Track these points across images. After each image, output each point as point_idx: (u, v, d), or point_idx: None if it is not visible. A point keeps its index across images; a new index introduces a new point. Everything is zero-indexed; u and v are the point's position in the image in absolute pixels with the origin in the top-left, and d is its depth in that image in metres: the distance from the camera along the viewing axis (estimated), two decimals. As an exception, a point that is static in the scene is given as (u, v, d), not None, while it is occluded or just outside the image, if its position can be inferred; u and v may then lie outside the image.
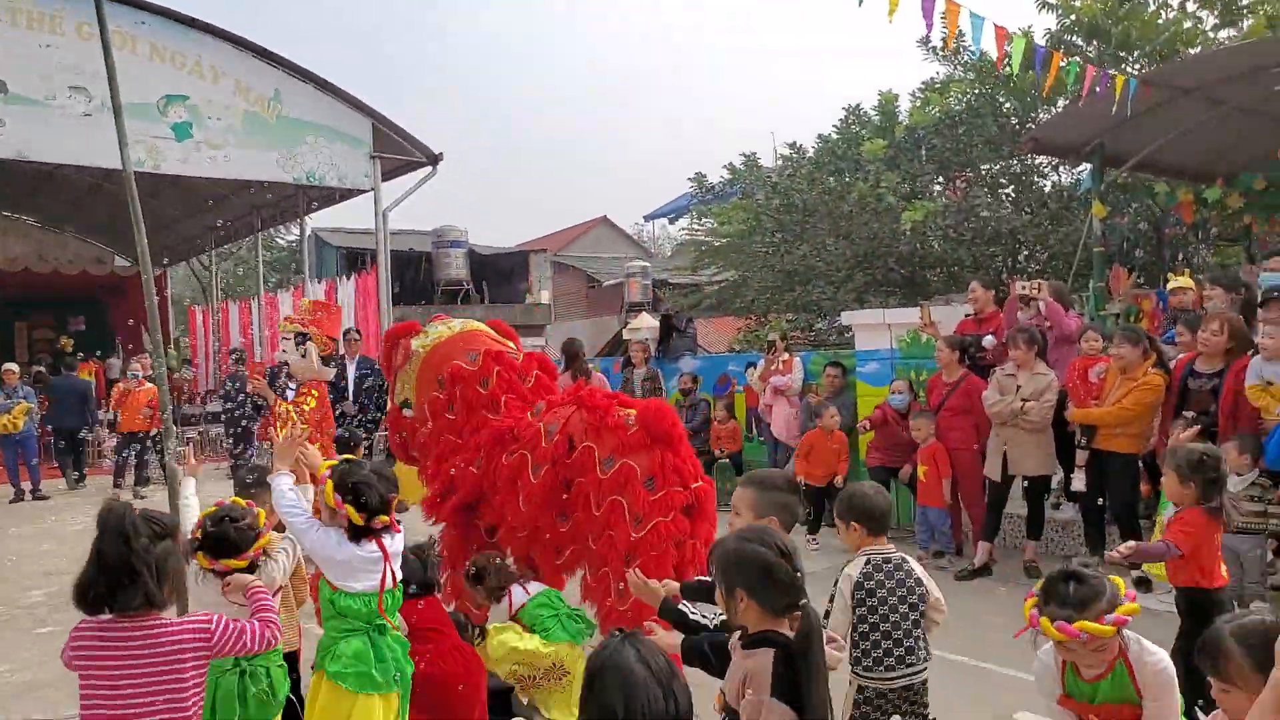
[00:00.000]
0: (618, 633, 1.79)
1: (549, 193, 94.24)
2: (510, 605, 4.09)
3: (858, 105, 14.59)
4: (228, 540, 3.03)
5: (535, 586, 4.15)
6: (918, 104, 13.45)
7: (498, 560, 4.22)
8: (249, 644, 2.52)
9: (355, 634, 3.03)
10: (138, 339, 19.96)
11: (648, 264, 26.63)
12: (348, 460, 3.27)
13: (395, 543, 3.11)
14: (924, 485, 6.65)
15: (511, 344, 4.84)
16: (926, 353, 7.74)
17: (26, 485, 11.48)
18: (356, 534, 3.01)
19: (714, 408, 9.55)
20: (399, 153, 15.16)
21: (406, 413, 4.74)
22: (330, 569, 3.04)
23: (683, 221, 36.85)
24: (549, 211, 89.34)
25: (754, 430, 9.68)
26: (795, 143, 15.00)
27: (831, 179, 14.49)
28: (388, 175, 15.40)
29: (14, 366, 11.77)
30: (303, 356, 6.41)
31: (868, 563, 3.07)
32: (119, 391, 11.88)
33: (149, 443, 11.66)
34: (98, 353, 19.06)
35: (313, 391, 6.55)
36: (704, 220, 24.14)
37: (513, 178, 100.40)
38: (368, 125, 14.79)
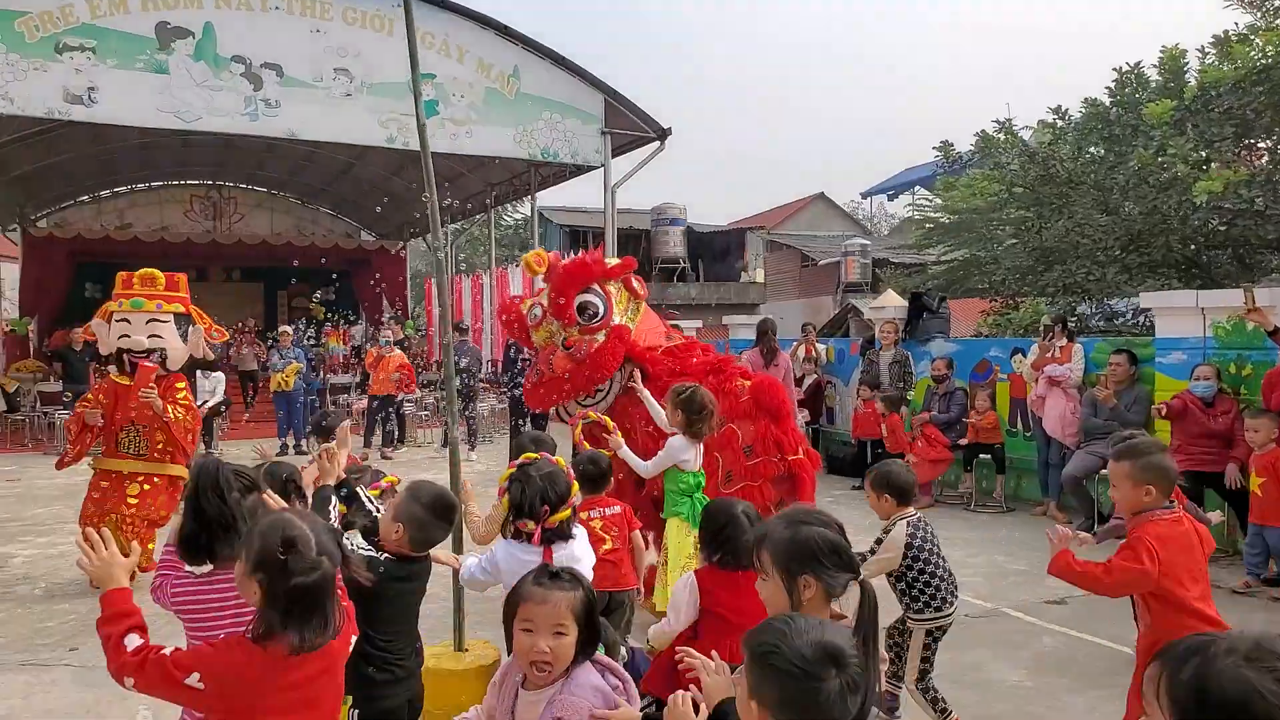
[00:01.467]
0: None
1: (763, 169, 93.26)
2: None
3: (1136, 64, 12.96)
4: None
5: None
6: (1210, 60, 11.75)
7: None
8: None
9: None
10: (379, 307, 21.36)
11: (868, 242, 25.51)
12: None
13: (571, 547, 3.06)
14: (1260, 500, 5.64)
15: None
16: (1252, 342, 6.63)
17: (290, 440, 12.42)
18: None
19: (974, 397, 8.74)
20: (629, 128, 15.11)
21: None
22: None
23: (904, 198, 35.22)
24: (763, 188, 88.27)
25: (1017, 424, 8.80)
26: (1060, 107, 13.55)
27: (1099, 147, 12.99)
28: (616, 151, 15.40)
29: (288, 329, 12.72)
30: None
31: (909, 524, 3.61)
32: (371, 356, 12.56)
33: (395, 406, 12.28)
34: (342, 320, 20.51)
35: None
36: (931, 196, 22.77)
37: (726, 154, 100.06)
38: (600, 100, 14.84)
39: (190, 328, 6.43)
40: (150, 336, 6.17)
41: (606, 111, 14.84)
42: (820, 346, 11.07)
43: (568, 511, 3.10)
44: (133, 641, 2.00)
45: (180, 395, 6.32)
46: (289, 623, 1.95)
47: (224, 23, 12.41)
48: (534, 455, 3.49)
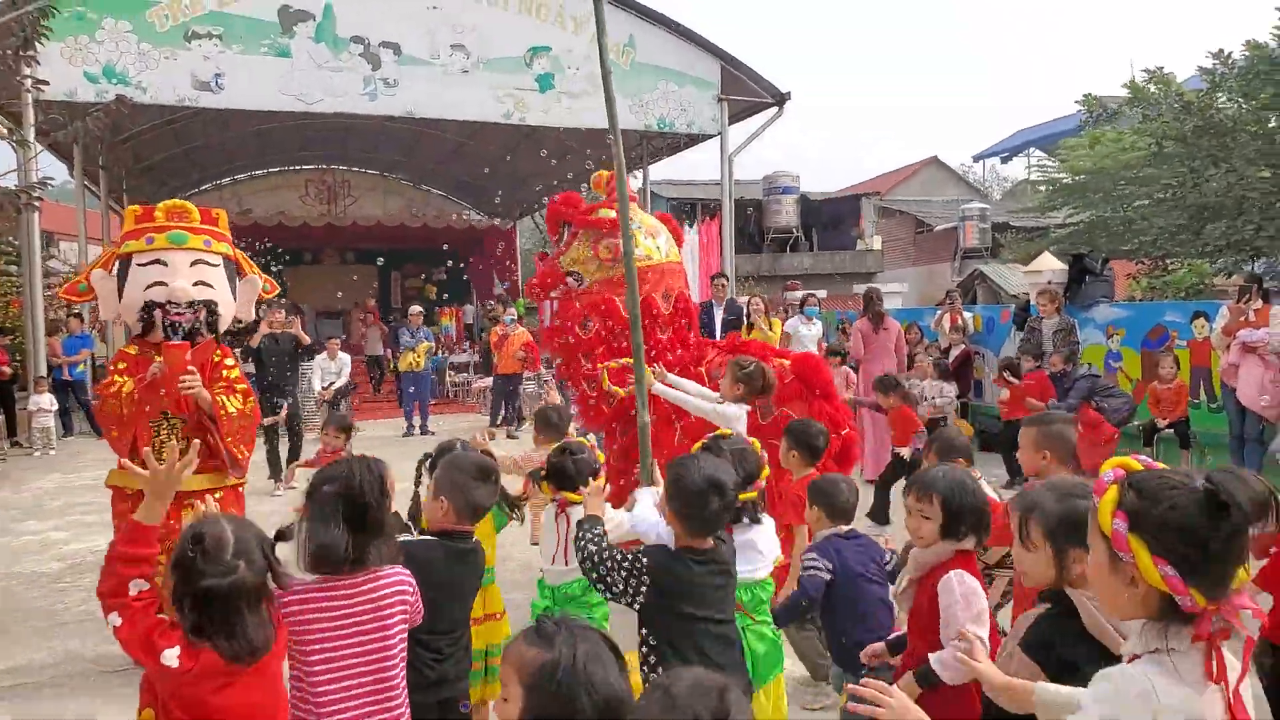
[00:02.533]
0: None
1: (873, 133, 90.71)
2: None
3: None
4: (565, 473, 3.23)
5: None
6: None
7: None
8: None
9: None
10: (490, 287, 21.45)
11: (987, 206, 24.31)
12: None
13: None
14: None
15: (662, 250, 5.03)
16: None
17: (418, 420, 12.45)
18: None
19: (1158, 363, 8.01)
20: (746, 94, 14.60)
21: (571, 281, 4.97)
22: None
23: (1019, 161, 33.54)
24: (872, 153, 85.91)
25: (1199, 394, 8.05)
26: (1221, 51, 12.40)
27: (1267, 92, 11.88)
28: (733, 118, 14.91)
29: (419, 309, 12.76)
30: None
31: None
32: (496, 335, 12.47)
33: (521, 385, 12.18)
34: (452, 299, 20.68)
35: None
36: (1051, 157, 21.51)
37: (834, 118, 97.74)
38: (717, 67, 14.36)
39: (240, 279, 4.36)
40: (198, 284, 4.04)
41: (723, 78, 14.37)
42: (967, 315, 10.44)
43: (754, 493, 3.04)
44: (138, 586, 1.99)
45: (233, 375, 4.23)
46: (208, 628, 1.93)
47: (343, 3, 12.40)
48: (727, 432, 3.40)
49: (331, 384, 10.98)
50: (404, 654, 2.30)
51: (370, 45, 12.59)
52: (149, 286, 4.02)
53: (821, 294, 13.63)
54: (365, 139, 19.42)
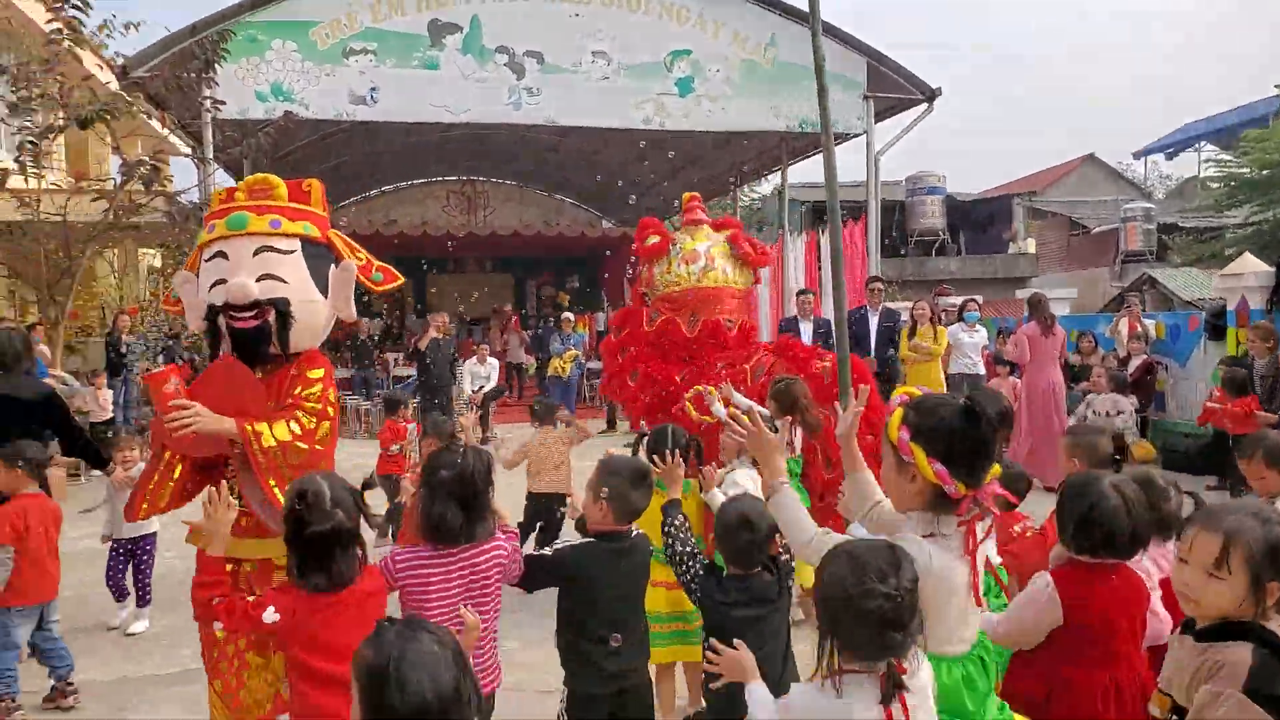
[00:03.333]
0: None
1: (1022, 131, 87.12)
2: None
3: None
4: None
5: None
6: None
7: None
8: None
9: None
10: (621, 293, 21.49)
11: (1151, 206, 22.69)
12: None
13: None
14: None
15: (742, 283, 5.23)
16: None
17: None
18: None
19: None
20: (893, 91, 14.06)
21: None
22: None
23: (1185, 157, 31.24)
24: (1020, 151, 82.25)
25: None
26: None
27: None
28: (879, 116, 14.39)
29: (570, 315, 12.86)
30: None
31: None
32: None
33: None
34: (581, 307, 20.81)
35: None
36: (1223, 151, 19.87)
37: (980, 115, 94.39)
38: (863, 64, 13.90)
39: (334, 265, 3.24)
40: (263, 279, 3.04)
41: (869, 75, 13.88)
42: (1148, 322, 9.63)
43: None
44: (217, 600, 2.49)
45: (310, 393, 3.08)
46: (310, 566, 2.32)
47: (489, 14, 12.64)
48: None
49: (481, 388, 11.16)
50: (498, 608, 2.74)
51: (514, 55, 12.78)
52: (212, 286, 3.09)
53: (977, 298, 12.95)
54: (502, 150, 19.82)
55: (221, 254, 3.10)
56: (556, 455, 5.92)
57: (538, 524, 5.86)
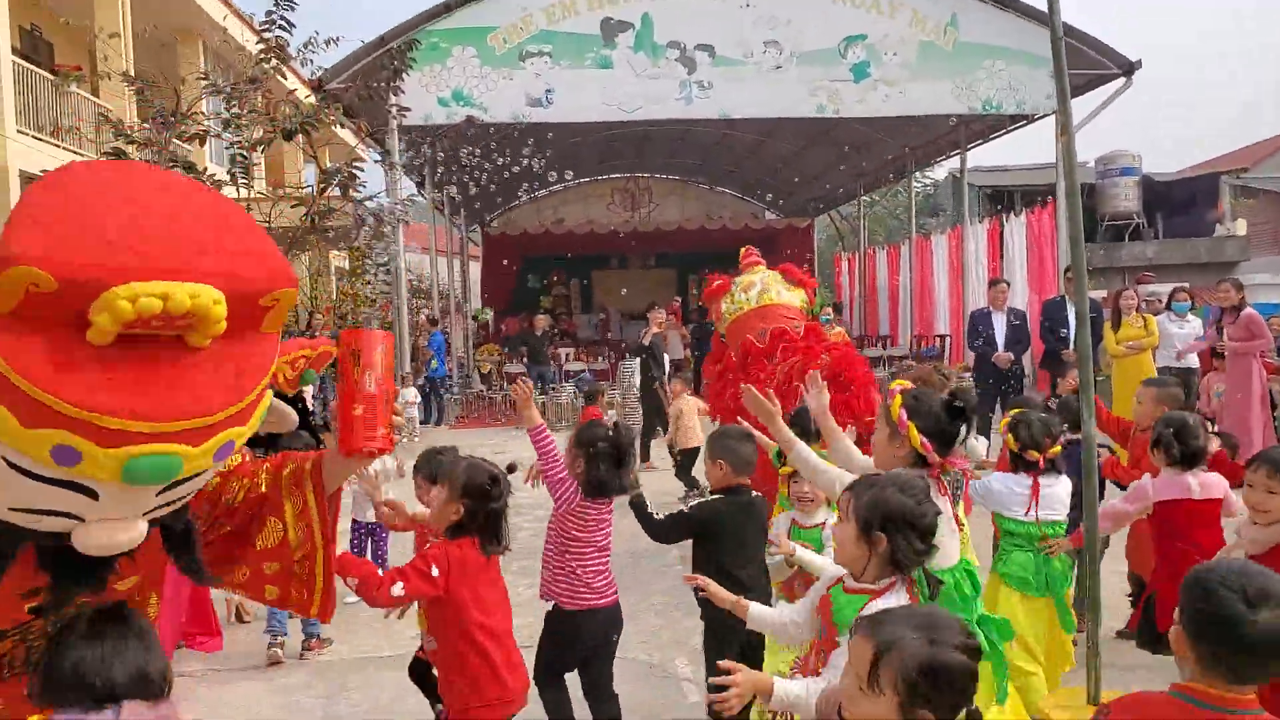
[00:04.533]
0: None
1: (1227, 106, 79.94)
2: None
3: None
4: None
5: None
6: None
7: None
8: None
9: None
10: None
11: (1387, 179, 20.23)
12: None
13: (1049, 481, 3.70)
14: None
15: (802, 296, 6.08)
16: None
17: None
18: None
19: None
20: (1086, 66, 13.09)
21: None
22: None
23: None
24: (1224, 128, 75.40)
25: None
26: None
27: None
28: (1072, 93, 13.43)
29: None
30: None
31: None
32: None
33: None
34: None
35: None
36: None
37: (1183, 88, 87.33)
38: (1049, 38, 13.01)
39: None
40: None
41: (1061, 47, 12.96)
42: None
43: (1058, 448, 3.67)
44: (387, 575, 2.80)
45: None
46: (486, 533, 2.85)
47: (660, 10, 12.65)
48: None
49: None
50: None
51: (686, 49, 12.74)
52: None
53: (1172, 287, 11.91)
54: (665, 145, 19.88)
55: None
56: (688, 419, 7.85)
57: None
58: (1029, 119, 14.01)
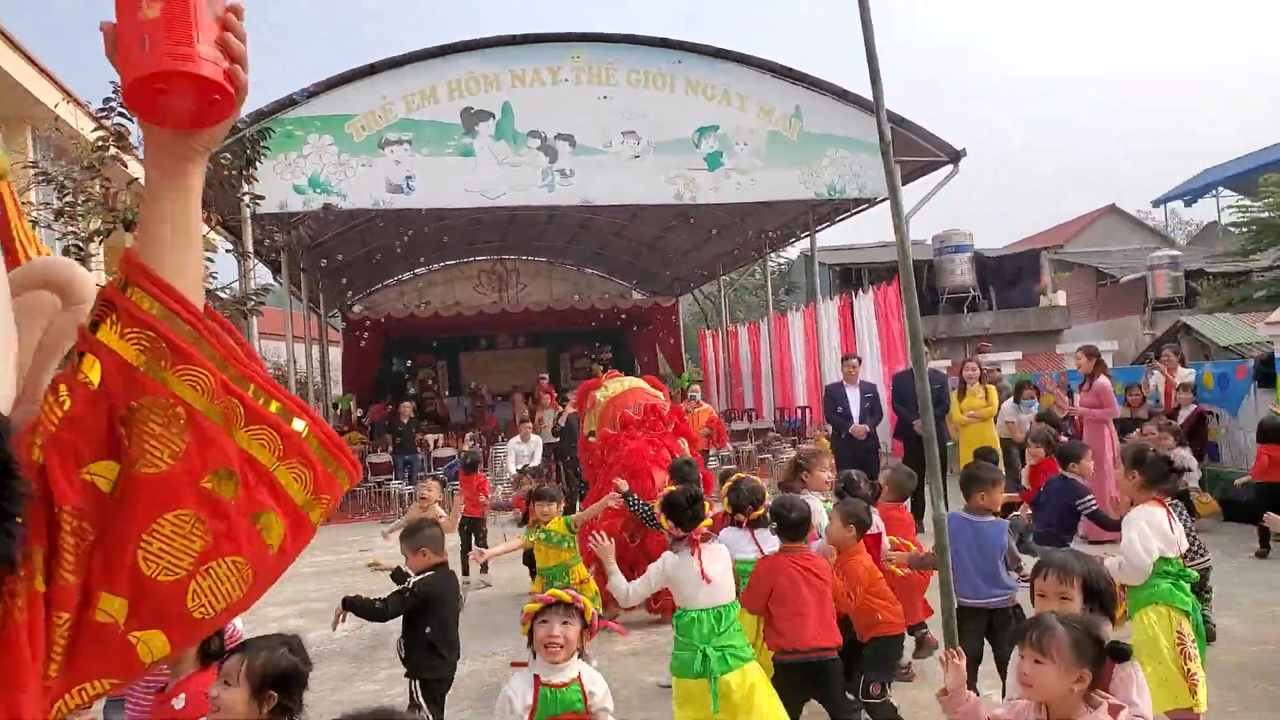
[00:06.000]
0: None
1: (1044, 183, 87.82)
2: None
3: None
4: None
5: None
6: None
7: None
8: None
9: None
10: (654, 363, 21.53)
11: (1178, 253, 22.61)
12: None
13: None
14: None
15: (660, 394, 7.48)
16: None
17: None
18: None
19: None
20: (919, 154, 14.20)
21: (591, 439, 7.23)
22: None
23: (1205, 203, 31.17)
24: (1043, 204, 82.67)
25: None
26: None
27: None
28: (906, 179, 14.52)
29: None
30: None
31: None
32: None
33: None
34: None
35: None
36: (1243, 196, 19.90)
37: (1001, 170, 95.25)
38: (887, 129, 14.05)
39: None
40: None
41: (895, 139, 13.98)
42: (1186, 372, 9.47)
43: (762, 510, 4.45)
44: None
45: None
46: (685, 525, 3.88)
47: (521, 100, 12.95)
48: (741, 475, 5.01)
49: (525, 465, 11.13)
50: None
51: (547, 138, 13.05)
52: None
53: (1015, 355, 12.84)
54: (532, 228, 20.12)
55: None
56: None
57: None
58: (870, 202, 14.99)
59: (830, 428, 10.19)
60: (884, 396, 10.60)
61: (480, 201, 13.08)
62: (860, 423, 9.55)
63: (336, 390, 21.41)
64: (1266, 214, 19.58)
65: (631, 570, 4.64)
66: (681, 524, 3.80)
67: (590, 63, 13.09)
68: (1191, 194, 30.90)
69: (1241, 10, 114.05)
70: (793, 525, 3.91)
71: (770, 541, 4.24)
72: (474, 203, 13.14)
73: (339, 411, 19.35)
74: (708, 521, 3.96)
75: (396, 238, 19.05)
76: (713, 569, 3.65)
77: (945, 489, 5.58)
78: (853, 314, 15.41)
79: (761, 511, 4.39)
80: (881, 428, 10.31)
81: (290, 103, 12.24)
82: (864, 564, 4.11)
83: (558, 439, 11.41)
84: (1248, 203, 21.69)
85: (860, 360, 10.85)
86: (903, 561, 4.40)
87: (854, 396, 9.81)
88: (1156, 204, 33.30)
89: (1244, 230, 20.91)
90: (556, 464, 11.66)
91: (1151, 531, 3.60)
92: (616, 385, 7.40)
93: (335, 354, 22.99)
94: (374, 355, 21.16)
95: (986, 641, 4.16)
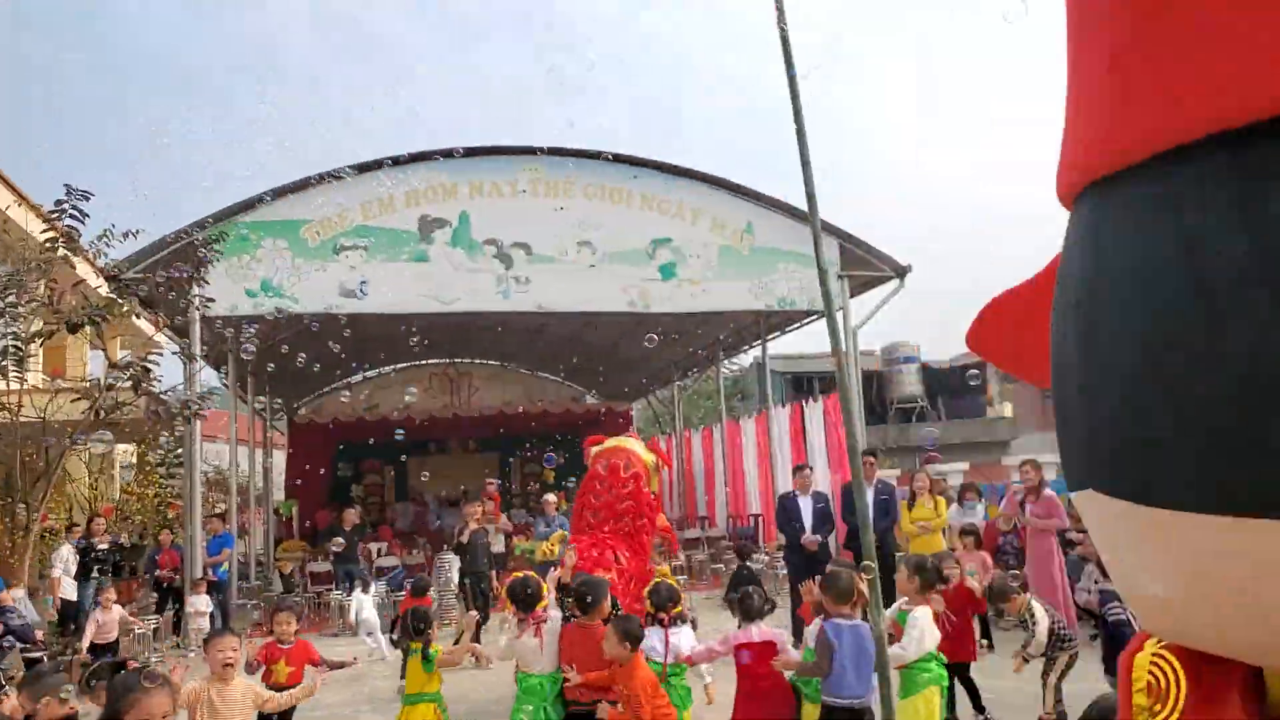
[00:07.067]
0: None
1: (989, 291, 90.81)
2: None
3: None
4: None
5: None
6: None
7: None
8: None
9: None
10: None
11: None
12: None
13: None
14: None
15: (650, 457, 7.28)
16: None
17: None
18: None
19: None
20: (866, 269, 14.62)
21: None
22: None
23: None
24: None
25: None
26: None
27: None
28: (854, 292, 14.91)
29: (551, 497, 12.66)
30: None
31: None
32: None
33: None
34: (568, 483, 20.55)
35: None
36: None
37: (946, 281, 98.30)
38: (835, 245, 14.48)
39: None
40: None
41: (843, 255, 14.45)
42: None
43: (679, 609, 5.13)
44: None
45: None
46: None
47: (477, 210, 13.14)
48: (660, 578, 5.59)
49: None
50: None
51: (503, 246, 13.20)
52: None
53: (963, 466, 12.97)
54: (486, 333, 20.10)
55: None
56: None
57: None
58: (820, 314, 15.28)
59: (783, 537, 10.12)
60: (835, 507, 10.60)
61: (435, 307, 13.09)
62: (813, 533, 9.50)
63: (280, 495, 20.80)
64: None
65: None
66: (522, 607, 4.88)
67: (547, 176, 13.40)
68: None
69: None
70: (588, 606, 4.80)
71: (684, 635, 5.01)
72: (428, 308, 13.13)
73: (281, 518, 18.77)
74: (544, 603, 4.90)
75: (347, 341, 18.95)
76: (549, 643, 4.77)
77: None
78: (804, 421, 15.53)
79: (679, 610, 5.07)
80: (833, 537, 10.28)
81: (249, 204, 12.28)
82: (640, 677, 4.43)
83: (463, 556, 10.72)
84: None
85: (812, 469, 10.86)
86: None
87: (806, 506, 9.78)
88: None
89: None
90: (462, 580, 10.83)
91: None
92: (611, 442, 7.53)
93: (281, 458, 22.44)
94: (320, 460, 20.67)
95: None
